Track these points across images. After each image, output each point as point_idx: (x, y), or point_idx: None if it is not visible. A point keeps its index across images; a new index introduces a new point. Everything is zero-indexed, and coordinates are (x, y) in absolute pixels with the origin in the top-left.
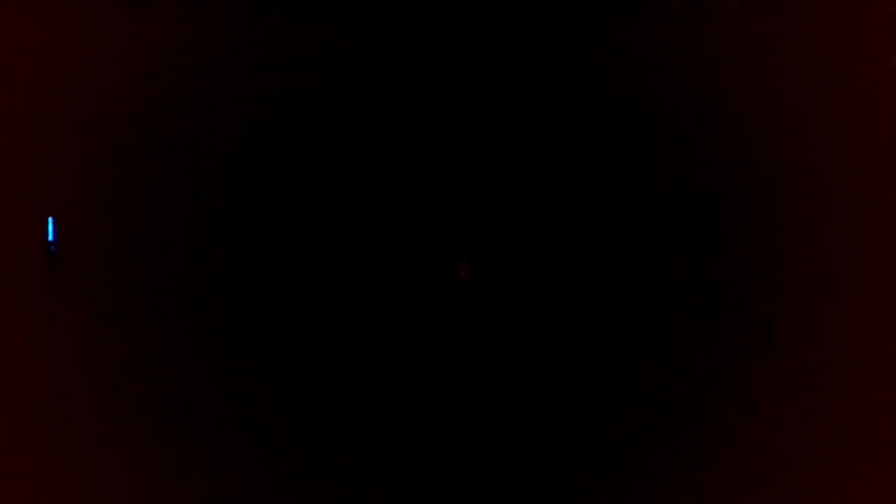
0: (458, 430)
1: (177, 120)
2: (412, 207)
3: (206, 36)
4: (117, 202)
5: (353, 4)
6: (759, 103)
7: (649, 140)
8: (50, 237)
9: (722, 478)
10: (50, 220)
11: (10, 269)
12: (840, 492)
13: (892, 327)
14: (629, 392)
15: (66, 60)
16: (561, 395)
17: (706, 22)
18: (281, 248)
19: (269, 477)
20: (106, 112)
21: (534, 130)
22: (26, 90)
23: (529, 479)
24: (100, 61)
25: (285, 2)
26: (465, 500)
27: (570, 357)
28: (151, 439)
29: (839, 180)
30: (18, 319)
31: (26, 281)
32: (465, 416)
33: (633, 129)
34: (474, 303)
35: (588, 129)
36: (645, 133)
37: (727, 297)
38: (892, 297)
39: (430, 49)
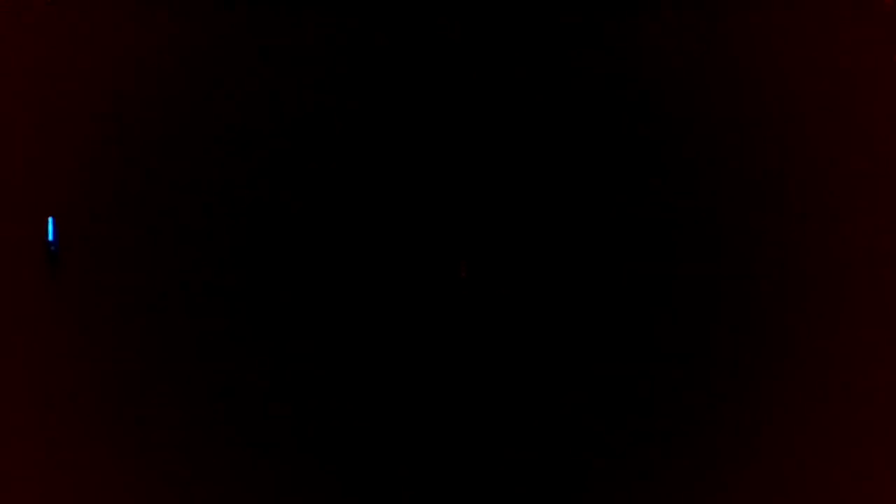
0: (458, 429)
1: (178, 119)
2: (412, 207)
3: (206, 34)
4: (117, 202)
5: (351, 3)
6: (763, 102)
7: (652, 139)
8: (50, 237)
9: (726, 481)
10: (50, 220)
11: (10, 269)
12: (842, 493)
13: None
14: (632, 392)
15: (66, 59)
16: (563, 395)
17: (710, 19)
18: (281, 247)
19: (270, 476)
20: (106, 112)
21: (534, 130)
22: (26, 89)
23: (530, 479)
24: (100, 60)
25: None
26: (465, 499)
27: (572, 357)
28: (153, 441)
29: (845, 180)
30: (18, 320)
31: (26, 281)
32: (465, 416)
33: (636, 128)
34: (474, 302)
35: (590, 128)
36: (647, 131)
37: (732, 298)
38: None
39: (429, 48)
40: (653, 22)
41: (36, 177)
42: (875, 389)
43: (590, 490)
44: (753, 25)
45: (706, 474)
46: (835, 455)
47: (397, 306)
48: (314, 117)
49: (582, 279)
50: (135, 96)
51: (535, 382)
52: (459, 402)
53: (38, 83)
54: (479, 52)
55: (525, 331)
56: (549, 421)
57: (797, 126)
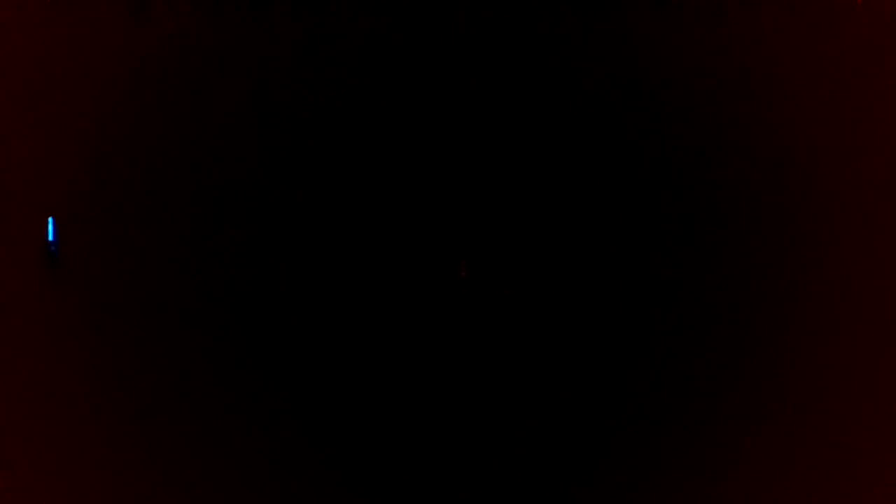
0: (458, 425)
1: (177, 120)
2: (413, 207)
3: (205, 36)
4: (117, 202)
5: (352, 3)
6: (762, 103)
7: (651, 140)
8: (50, 237)
9: (721, 478)
10: (50, 220)
11: (10, 269)
12: (842, 492)
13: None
14: (629, 391)
15: (66, 61)
16: (562, 394)
17: (711, 21)
18: (282, 247)
19: (270, 474)
20: (106, 112)
21: (535, 132)
22: (26, 90)
23: (529, 477)
24: (100, 62)
25: (282, 1)
26: (464, 498)
27: (569, 355)
28: (151, 438)
29: (845, 180)
30: (18, 319)
31: (26, 281)
32: (465, 412)
33: (636, 130)
34: (474, 302)
35: (589, 130)
36: (647, 133)
37: (730, 298)
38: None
39: (430, 49)
40: (653, 24)
41: (36, 177)
42: (875, 389)
43: (589, 489)
44: (753, 27)
45: (706, 474)
46: (835, 455)
47: (397, 305)
48: (315, 119)
49: (581, 279)
50: (135, 97)
51: (534, 381)
52: (459, 399)
53: (38, 83)
54: (480, 55)
55: (524, 330)
56: (548, 419)
57: (797, 126)
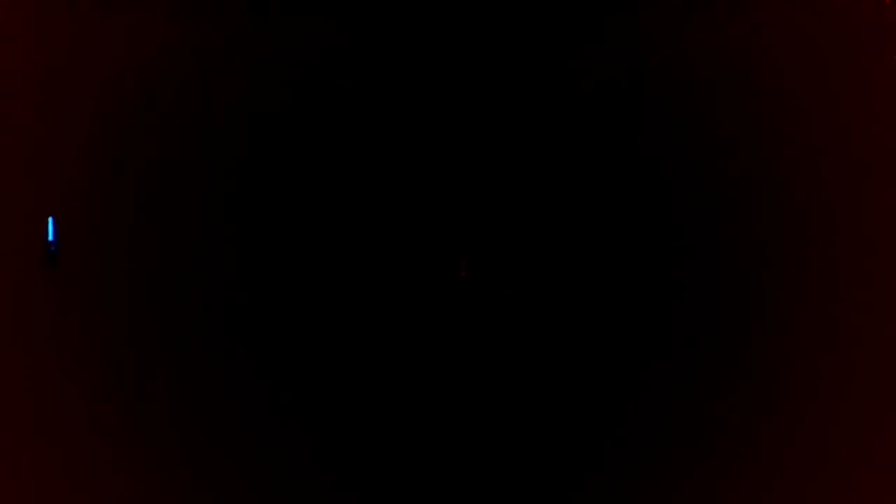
0: (457, 426)
1: (178, 120)
2: (412, 207)
3: (204, 35)
4: (117, 202)
5: (352, 6)
6: (761, 103)
7: (652, 139)
8: (50, 237)
9: (724, 482)
10: (50, 220)
11: (10, 269)
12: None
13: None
14: (631, 393)
15: (66, 60)
16: (561, 395)
17: (711, 20)
18: (281, 247)
19: (270, 475)
20: (106, 112)
21: (535, 130)
22: (26, 90)
23: (528, 476)
24: (101, 61)
25: (281, 1)
26: (464, 497)
27: (571, 357)
28: (152, 438)
29: (845, 180)
30: (18, 319)
31: (26, 281)
32: (465, 413)
33: (636, 130)
34: (474, 302)
35: (589, 130)
36: (647, 132)
37: (730, 299)
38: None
39: (430, 48)
40: (653, 24)
41: (36, 177)
42: (875, 389)
43: (590, 490)
44: (753, 26)
45: (708, 476)
46: (834, 455)
47: (398, 305)
48: (315, 119)
49: (581, 279)
50: (134, 97)
51: (533, 381)
52: (459, 400)
53: (37, 83)
54: (481, 55)
55: (524, 330)
56: (549, 420)
57: (797, 126)
